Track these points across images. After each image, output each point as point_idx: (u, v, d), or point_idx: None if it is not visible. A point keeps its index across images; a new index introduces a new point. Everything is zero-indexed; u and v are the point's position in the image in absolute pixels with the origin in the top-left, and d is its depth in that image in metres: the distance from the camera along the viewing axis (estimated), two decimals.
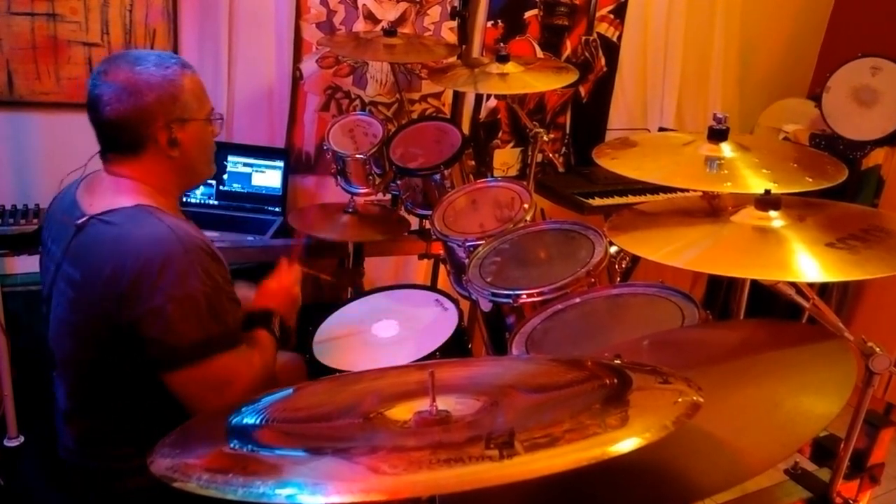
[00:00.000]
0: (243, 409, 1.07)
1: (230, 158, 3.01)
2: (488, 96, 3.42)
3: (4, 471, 2.56)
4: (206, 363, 1.49)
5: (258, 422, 1.03)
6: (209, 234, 1.71)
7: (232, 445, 0.94)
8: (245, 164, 3.03)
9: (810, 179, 1.42)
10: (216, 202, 3.03)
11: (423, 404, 0.95)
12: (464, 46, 2.85)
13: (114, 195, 1.55)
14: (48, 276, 1.63)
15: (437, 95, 3.41)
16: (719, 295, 3.72)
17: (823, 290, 3.39)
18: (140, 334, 1.46)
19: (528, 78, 2.48)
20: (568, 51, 3.65)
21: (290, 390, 1.25)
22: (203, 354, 1.48)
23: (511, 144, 3.67)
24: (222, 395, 1.50)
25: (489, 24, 3.31)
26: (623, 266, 1.87)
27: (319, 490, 0.71)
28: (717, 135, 1.55)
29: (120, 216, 1.51)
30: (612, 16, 3.68)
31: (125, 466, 1.57)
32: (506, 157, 3.67)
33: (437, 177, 2.34)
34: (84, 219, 1.53)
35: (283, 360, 2.03)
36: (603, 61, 3.74)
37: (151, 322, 1.45)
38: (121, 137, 1.57)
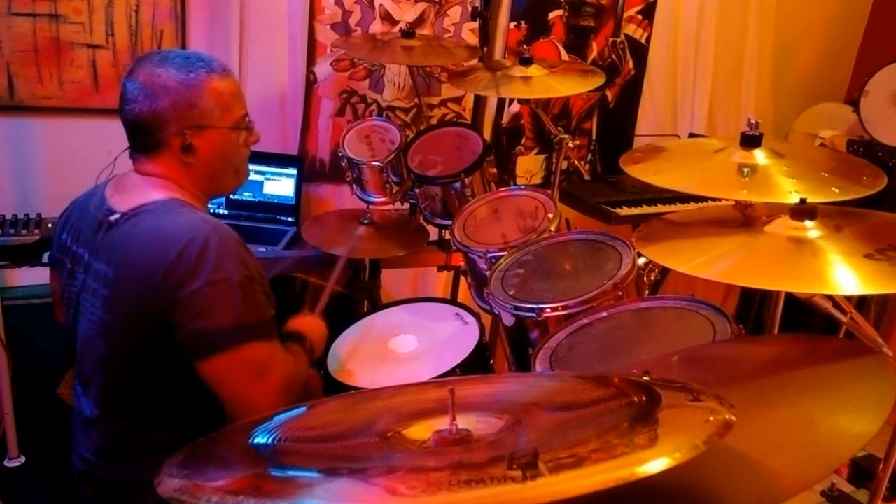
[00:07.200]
0: (255, 428, 1.05)
1: None
2: (511, 101, 3.45)
3: (5, 492, 2.55)
4: (241, 349, 1.48)
5: (270, 441, 1.01)
6: None
7: (244, 466, 0.94)
8: (256, 172, 2.98)
9: (836, 190, 1.42)
10: (226, 211, 2.99)
11: (442, 423, 0.93)
12: (485, 49, 2.82)
13: (144, 192, 1.58)
14: (76, 281, 1.63)
15: (458, 100, 3.38)
16: (752, 309, 3.69)
17: (861, 303, 3.34)
18: (174, 321, 1.47)
19: (553, 81, 2.44)
20: (594, 53, 3.61)
21: (304, 408, 1.24)
22: (238, 340, 1.48)
23: (535, 151, 3.63)
24: (259, 384, 1.51)
25: (512, 25, 3.30)
26: (652, 278, 1.86)
27: None
28: (751, 141, 1.54)
29: (152, 209, 1.55)
30: (640, 16, 3.64)
31: (148, 479, 1.52)
32: (529, 165, 3.63)
33: (458, 185, 2.31)
34: (116, 216, 1.56)
35: None
36: (631, 64, 3.70)
37: (186, 307, 1.46)
38: (138, 138, 1.60)
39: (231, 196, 2.94)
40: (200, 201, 1.67)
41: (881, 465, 1.30)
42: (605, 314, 1.63)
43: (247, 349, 1.48)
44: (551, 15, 3.43)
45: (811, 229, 1.28)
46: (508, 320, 1.80)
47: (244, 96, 1.69)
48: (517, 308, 1.72)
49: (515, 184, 3.26)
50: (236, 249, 1.51)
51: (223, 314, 1.46)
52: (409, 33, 2.68)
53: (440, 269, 2.90)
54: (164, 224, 1.51)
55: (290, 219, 2.99)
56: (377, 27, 3.10)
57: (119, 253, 1.53)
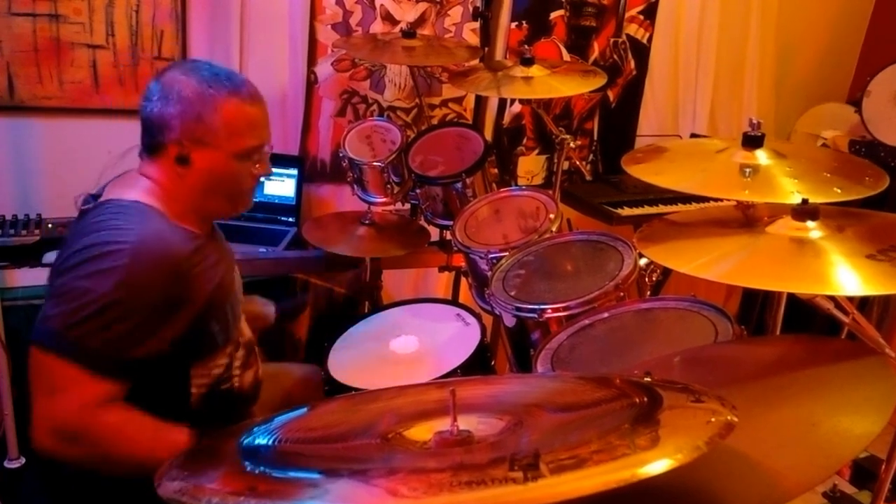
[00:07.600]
0: (255, 429, 1.06)
1: None
2: (512, 101, 3.43)
3: (5, 492, 2.52)
4: (50, 357, 1.42)
5: (271, 442, 1.01)
6: None
7: (244, 467, 0.93)
8: None
9: (839, 190, 1.42)
10: None
11: (443, 424, 0.94)
12: (486, 49, 2.81)
13: (123, 190, 1.57)
14: None
15: (459, 100, 3.36)
16: (754, 309, 3.66)
17: (864, 304, 3.33)
18: None
19: (554, 82, 2.42)
20: (595, 53, 3.59)
21: (305, 409, 1.24)
22: (51, 346, 1.42)
23: (536, 151, 3.62)
24: (51, 398, 1.44)
25: (513, 25, 3.27)
26: (653, 279, 1.85)
27: None
28: (752, 141, 1.54)
29: (115, 207, 1.52)
30: (641, 16, 3.63)
31: (147, 479, 1.51)
32: (530, 165, 3.62)
33: (459, 185, 2.30)
34: (87, 206, 1.56)
35: (298, 374, 2.11)
36: (632, 64, 3.69)
37: (55, 290, 1.45)
38: (144, 136, 1.60)
39: None
40: (186, 215, 1.61)
41: (883, 467, 1.30)
42: (606, 315, 1.63)
43: (51, 360, 1.42)
44: (553, 15, 3.41)
45: (813, 230, 1.28)
46: (510, 321, 1.79)
47: (268, 128, 1.64)
48: (518, 309, 1.72)
49: (517, 184, 3.25)
50: (144, 274, 1.43)
51: (67, 315, 1.40)
52: (409, 33, 2.67)
53: (441, 269, 2.89)
54: (106, 223, 1.47)
55: (290, 219, 2.98)
56: (378, 27, 3.09)
57: (71, 240, 1.50)
